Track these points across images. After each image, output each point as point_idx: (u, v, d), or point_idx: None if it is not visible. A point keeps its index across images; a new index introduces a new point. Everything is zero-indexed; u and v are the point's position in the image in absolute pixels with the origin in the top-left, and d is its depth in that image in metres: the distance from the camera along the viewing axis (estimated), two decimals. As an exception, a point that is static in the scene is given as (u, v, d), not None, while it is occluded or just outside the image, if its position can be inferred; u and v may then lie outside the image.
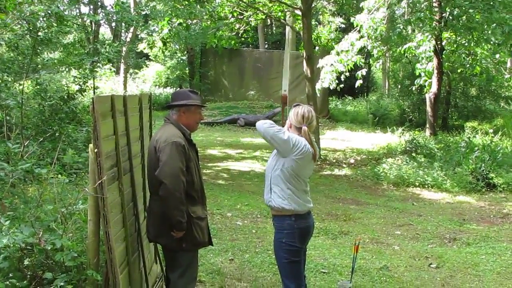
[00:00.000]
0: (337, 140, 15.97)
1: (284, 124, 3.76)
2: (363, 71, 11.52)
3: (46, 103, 7.17)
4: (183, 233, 3.25)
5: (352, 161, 12.33)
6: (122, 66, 22.49)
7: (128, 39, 18.87)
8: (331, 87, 11.62)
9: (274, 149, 3.56)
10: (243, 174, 10.28)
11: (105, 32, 29.66)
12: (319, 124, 15.06)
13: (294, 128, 3.51)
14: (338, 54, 11.38)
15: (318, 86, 11.67)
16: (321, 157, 12.01)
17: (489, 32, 10.33)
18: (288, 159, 3.38)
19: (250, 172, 10.47)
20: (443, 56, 13.66)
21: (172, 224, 3.20)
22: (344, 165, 11.74)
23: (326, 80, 11.44)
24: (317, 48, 14.63)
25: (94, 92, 9.26)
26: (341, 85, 11.80)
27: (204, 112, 19.49)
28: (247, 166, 11.09)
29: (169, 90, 25.64)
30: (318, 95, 12.33)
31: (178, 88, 24.10)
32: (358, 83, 11.66)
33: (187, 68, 26.09)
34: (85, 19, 18.36)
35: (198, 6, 12.36)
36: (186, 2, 11.99)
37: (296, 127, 3.49)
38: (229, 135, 16.60)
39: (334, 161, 12.24)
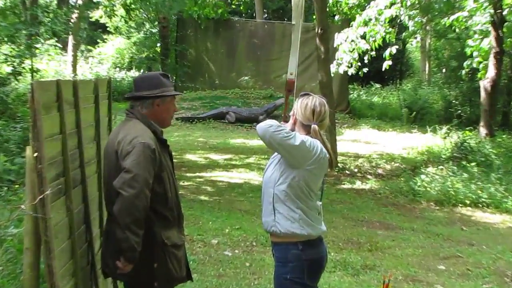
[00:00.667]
0: (360, 142, 16.00)
1: (286, 118, 3.75)
2: (394, 49, 11.51)
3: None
4: (131, 267, 3.16)
5: (380, 171, 12.37)
6: (71, 41, 22.46)
7: (78, 3, 18.84)
8: (350, 72, 11.63)
9: (273, 156, 3.56)
10: (233, 187, 10.29)
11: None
12: (336, 121, 15.09)
13: (299, 125, 3.51)
14: (366, 24, 11.33)
15: (332, 69, 11.68)
16: (338, 165, 12.04)
17: None
18: (300, 170, 3.38)
19: (242, 184, 10.48)
20: (504, 29, 13.70)
21: (121, 250, 3.10)
22: (369, 176, 11.77)
23: (344, 62, 11.45)
24: (337, 17, 14.58)
25: (32, 76, 9.26)
26: (365, 69, 11.80)
27: (181, 104, 19.52)
28: (239, 177, 11.10)
29: (135, 74, 25.61)
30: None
31: (147, 72, 24.06)
32: (386, 64, 11.62)
33: (158, 44, 26.08)
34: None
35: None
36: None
37: (303, 124, 3.49)
38: (215, 134, 16.60)
39: (356, 170, 12.26)
